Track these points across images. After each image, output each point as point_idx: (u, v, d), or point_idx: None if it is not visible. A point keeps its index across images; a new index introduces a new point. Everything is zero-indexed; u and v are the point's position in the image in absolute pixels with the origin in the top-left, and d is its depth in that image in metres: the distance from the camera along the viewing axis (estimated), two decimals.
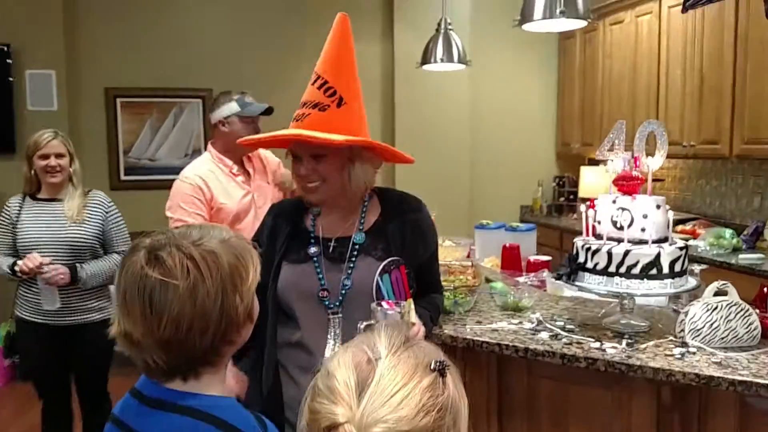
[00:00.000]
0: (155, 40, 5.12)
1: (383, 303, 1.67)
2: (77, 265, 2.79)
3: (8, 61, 4.65)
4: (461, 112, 5.68)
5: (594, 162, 5.68)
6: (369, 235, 1.79)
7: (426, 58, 4.01)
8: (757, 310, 1.87)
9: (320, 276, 1.75)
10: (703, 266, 2.34)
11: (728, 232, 4.07)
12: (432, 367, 0.80)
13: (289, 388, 1.73)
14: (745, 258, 3.77)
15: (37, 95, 4.76)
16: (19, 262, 2.72)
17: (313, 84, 1.74)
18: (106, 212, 2.94)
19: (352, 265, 1.75)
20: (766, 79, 3.77)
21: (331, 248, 1.78)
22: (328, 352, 1.69)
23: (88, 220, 2.86)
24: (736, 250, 3.98)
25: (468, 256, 3.33)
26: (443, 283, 2.31)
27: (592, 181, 5.57)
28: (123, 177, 5.25)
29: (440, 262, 2.43)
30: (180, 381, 1.08)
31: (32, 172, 2.85)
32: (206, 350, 1.06)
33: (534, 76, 5.99)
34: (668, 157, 4.76)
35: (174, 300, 1.02)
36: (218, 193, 2.75)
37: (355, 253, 1.76)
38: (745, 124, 3.96)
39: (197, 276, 1.03)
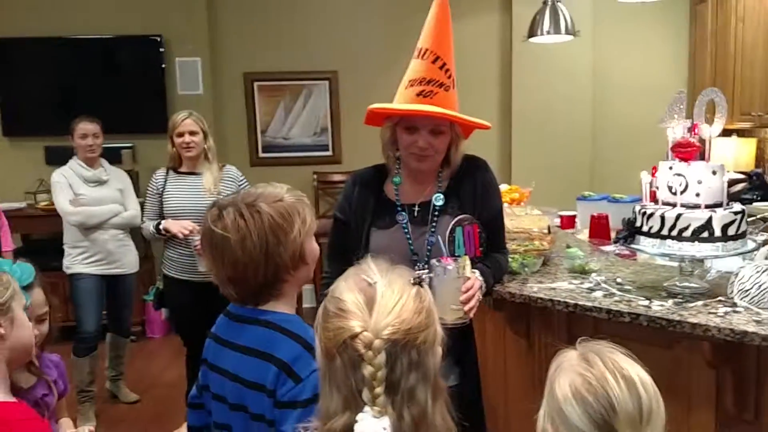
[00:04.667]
0: (286, 27, 5.55)
1: (441, 259, 1.88)
2: None
3: (161, 50, 5.29)
4: (582, 84, 5.61)
5: (728, 133, 5.39)
6: (445, 195, 2.00)
7: (533, 31, 4.06)
8: None
9: (409, 240, 1.99)
10: None
11: None
12: (413, 282, 1.04)
13: None
14: None
15: (185, 80, 5.38)
16: (164, 222, 3.22)
17: (426, 59, 1.90)
18: (239, 185, 3.34)
19: (434, 224, 1.98)
20: None
21: (415, 213, 2.01)
22: None
23: (224, 192, 3.24)
24: None
25: (569, 226, 3.43)
26: (522, 248, 2.48)
27: (723, 152, 5.30)
28: (261, 154, 5.76)
29: (522, 228, 2.59)
30: (253, 305, 1.41)
31: (173, 148, 3.31)
32: (262, 285, 1.38)
33: (663, 45, 5.75)
34: None
35: (230, 248, 1.35)
36: None
37: (437, 214, 1.98)
38: None
39: (245, 231, 1.35)
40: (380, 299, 0.99)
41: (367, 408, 0.95)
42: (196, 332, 3.39)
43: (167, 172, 3.36)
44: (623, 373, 1.08)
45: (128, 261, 3.81)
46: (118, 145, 5.07)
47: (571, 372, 1.11)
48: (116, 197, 3.75)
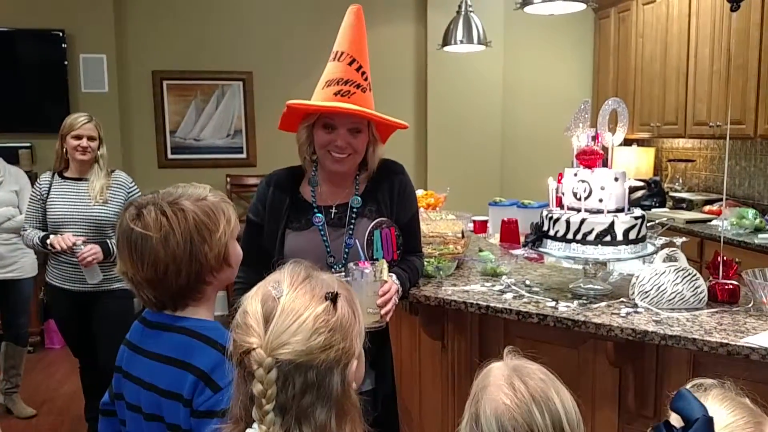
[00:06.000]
0: (198, 25, 5.41)
1: (358, 263, 1.87)
2: (107, 241, 3.03)
3: (63, 45, 5.03)
4: (493, 93, 5.77)
5: (628, 143, 5.68)
6: (362, 198, 2.00)
7: (447, 40, 4.14)
8: (711, 277, 1.98)
9: (326, 242, 1.97)
10: (684, 239, 2.44)
11: (751, 212, 4.07)
12: (325, 296, 0.99)
13: None
14: (764, 238, 3.78)
15: (90, 78, 5.13)
16: (52, 237, 2.99)
17: (342, 61, 1.90)
18: (128, 192, 3.15)
19: (352, 226, 1.97)
20: None
21: (332, 215, 2.00)
22: None
23: (111, 200, 3.08)
24: (758, 230, 3.98)
25: (481, 231, 3.51)
26: (437, 251, 2.51)
27: (624, 161, 5.57)
28: (170, 156, 5.56)
29: (437, 233, 2.63)
30: (171, 311, 1.34)
31: (63, 150, 3.10)
32: (184, 288, 1.31)
33: (570, 57, 6.00)
34: (697, 137, 4.78)
35: (151, 248, 1.28)
36: None
37: (354, 215, 1.98)
38: None
39: (168, 229, 1.28)
40: (277, 316, 0.95)
41: (255, 424, 0.94)
42: (84, 343, 3.27)
43: (53, 177, 3.14)
44: (549, 406, 1.06)
45: (23, 265, 3.58)
46: (15, 145, 4.83)
47: (496, 400, 1.08)
48: (10, 200, 3.53)
